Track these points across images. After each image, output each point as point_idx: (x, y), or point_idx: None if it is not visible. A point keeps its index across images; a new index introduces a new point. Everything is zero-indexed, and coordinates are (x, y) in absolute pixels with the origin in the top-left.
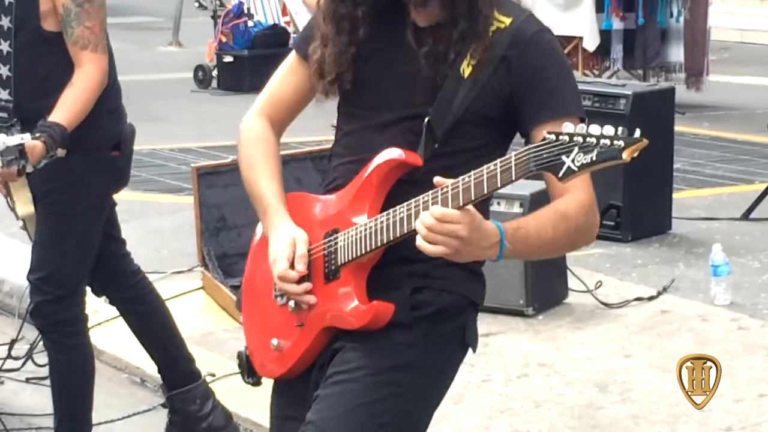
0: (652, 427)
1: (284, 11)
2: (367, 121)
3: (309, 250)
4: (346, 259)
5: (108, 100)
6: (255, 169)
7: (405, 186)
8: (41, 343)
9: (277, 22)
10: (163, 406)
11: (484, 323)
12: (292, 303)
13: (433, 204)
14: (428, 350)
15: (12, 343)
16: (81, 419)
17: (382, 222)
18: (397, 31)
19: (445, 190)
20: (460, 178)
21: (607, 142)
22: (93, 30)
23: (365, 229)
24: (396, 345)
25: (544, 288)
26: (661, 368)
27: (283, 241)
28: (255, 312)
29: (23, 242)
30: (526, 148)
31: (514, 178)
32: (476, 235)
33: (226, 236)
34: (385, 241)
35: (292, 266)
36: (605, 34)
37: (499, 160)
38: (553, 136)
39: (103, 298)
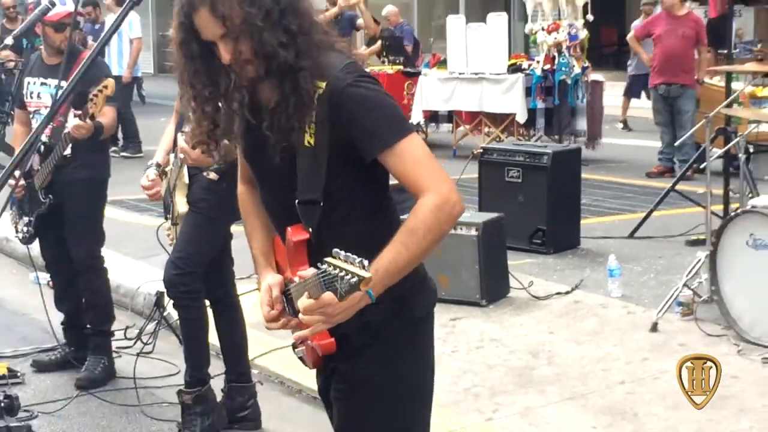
0: (569, 382)
1: None
2: (260, 188)
3: (287, 289)
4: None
5: None
6: (247, 233)
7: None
8: (147, 327)
9: None
10: (222, 391)
11: (452, 311)
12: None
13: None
14: (386, 353)
15: (126, 329)
16: (206, 362)
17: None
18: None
19: (308, 282)
20: (315, 272)
21: (350, 276)
22: None
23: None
24: (361, 364)
25: (493, 286)
26: (575, 341)
27: (263, 291)
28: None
29: (134, 259)
30: (317, 272)
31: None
32: (340, 311)
33: None
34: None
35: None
36: (532, 112)
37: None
38: (325, 266)
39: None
